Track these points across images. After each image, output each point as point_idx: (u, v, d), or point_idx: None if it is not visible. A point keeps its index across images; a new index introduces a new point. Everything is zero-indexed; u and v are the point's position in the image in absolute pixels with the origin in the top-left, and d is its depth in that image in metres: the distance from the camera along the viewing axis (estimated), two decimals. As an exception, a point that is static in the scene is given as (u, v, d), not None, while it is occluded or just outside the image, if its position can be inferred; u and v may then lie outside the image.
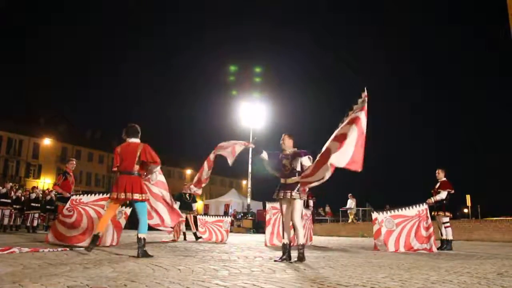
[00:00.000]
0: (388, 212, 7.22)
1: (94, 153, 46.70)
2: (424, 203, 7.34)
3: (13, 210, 12.44)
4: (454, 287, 2.88)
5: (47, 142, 40.99)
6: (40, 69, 68.65)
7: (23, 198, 13.09)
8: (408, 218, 7.12)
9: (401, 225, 7.08)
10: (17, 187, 14.42)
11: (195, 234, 9.77)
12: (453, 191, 7.78)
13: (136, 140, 4.95)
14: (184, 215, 9.84)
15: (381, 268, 3.96)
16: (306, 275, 3.34)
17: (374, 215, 7.37)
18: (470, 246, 9.30)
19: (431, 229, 7.08)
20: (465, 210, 23.86)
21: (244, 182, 52.60)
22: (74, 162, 8.30)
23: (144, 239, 4.64)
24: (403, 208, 7.22)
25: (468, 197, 21.04)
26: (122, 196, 4.71)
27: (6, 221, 12.00)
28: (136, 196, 4.70)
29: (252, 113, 27.41)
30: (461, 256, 6.03)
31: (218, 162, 6.67)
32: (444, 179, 7.83)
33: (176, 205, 9.81)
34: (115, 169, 4.98)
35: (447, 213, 7.78)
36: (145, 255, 4.51)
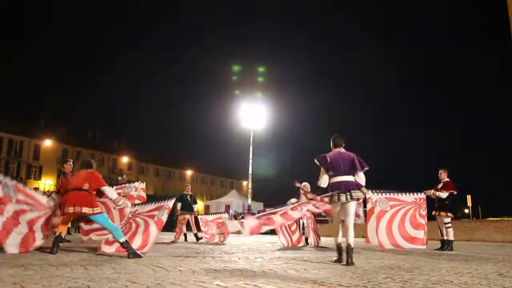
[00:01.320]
0: (384, 194, 7.14)
1: (95, 154, 46.72)
2: (423, 193, 7.33)
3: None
4: (455, 287, 2.88)
5: (47, 143, 41.03)
6: (40, 69, 68.75)
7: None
8: (403, 203, 7.05)
9: (396, 208, 6.98)
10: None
11: (195, 235, 9.78)
12: (456, 192, 7.76)
13: (90, 170, 5.23)
14: (186, 216, 9.86)
15: (382, 269, 3.95)
16: (307, 275, 3.34)
17: (369, 194, 7.29)
18: (471, 247, 9.29)
19: (426, 219, 7.07)
20: (466, 210, 23.86)
21: (244, 183, 52.60)
22: (71, 163, 8.31)
23: (126, 241, 4.79)
24: (400, 194, 7.14)
25: (468, 197, 21.05)
26: (71, 210, 4.83)
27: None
28: (86, 210, 4.83)
29: (253, 113, 27.44)
30: (462, 256, 6.03)
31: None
32: (448, 179, 7.80)
33: (178, 206, 9.84)
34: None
35: (449, 214, 7.77)
36: (135, 255, 4.57)
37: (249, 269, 3.72)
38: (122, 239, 4.78)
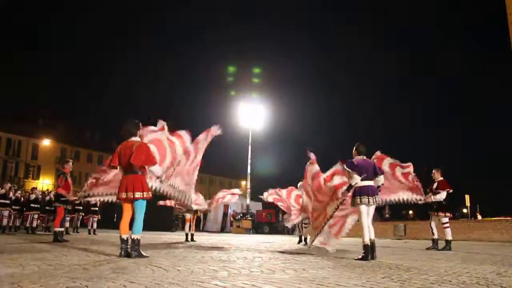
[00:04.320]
0: None
1: (93, 154, 46.64)
2: (421, 198, 7.32)
3: (12, 211, 12.42)
4: (453, 287, 2.89)
5: (46, 143, 40.93)
6: (40, 69, 68.49)
7: (22, 199, 13.07)
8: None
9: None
10: (15, 187, 14.38)
11: (192, 235, 9.71)
12: (451, 191, 7.78)
13: (134, 139, 4.80)
14: (188, 215, 9.81)
15: (381, 268, 3.96)
16: (305, 275, 3.34)
17: None
18: (469, 246, 9.31)
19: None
20: (464, 210, 23.90)
21: (243, 182, 52.56)
22: (71, 163, 8.26)
23: (138, 240, 4.57)
24: None
25: (467, 197, 21.08)
26: (123, 195, 4.61)
27: (5, 222, 11.98)
28: (138, 194, 4.58)
29: (252, 113, 27.44)
30: (460, 256, 6.04)
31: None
32: (441, 178, 7.81)
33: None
34: (113, 166, 4.87)
35: (447, 214, 7.79)
36: (139, 255, 4.47)
37: (247, 268, 3.72)
38: (137, 236, 4.55)
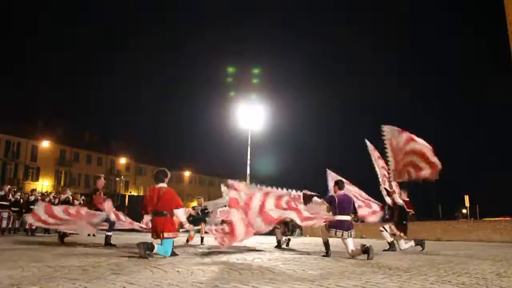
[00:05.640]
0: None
1: (92, 155, 46.59)
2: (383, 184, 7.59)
3: (11, 213, 12.40)
4: (453, 287, 2.89)
5: (45, 144, 40.87)
6: (40, 69, 68.41)
7: (21, 200, 13.04)
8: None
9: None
10: (15, 189, 14.35)
11: (201, 238, 9.55)
12: (412, 213, 7.61)
13: (161, 185, 5.20)
14: (192, 233, 9.61)
15: (380, 269, 3.96)
16: (305, 276, 3.34)
17: None
18: (469, 247, 9.31)
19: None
20: (464, 211, 23.91)
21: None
22: (103, 179, 7.88)
23: (155, 253, 4.83)
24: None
25: (466, 197, 21.08)
26: (154, 236, 5.05)
27: (4, 223, 11.95)
28: (167, 234, 4.99)
29: (251, 114, 27.45)
30: (460, 256, 6.04)
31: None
32: (407, 199, 7.61)
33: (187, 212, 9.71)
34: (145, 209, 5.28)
35: (402, 234, 7.28)
36: (144, 256, 4.57)
37: (247, 270, 3.72)
38: (157, 252, 4.87)
